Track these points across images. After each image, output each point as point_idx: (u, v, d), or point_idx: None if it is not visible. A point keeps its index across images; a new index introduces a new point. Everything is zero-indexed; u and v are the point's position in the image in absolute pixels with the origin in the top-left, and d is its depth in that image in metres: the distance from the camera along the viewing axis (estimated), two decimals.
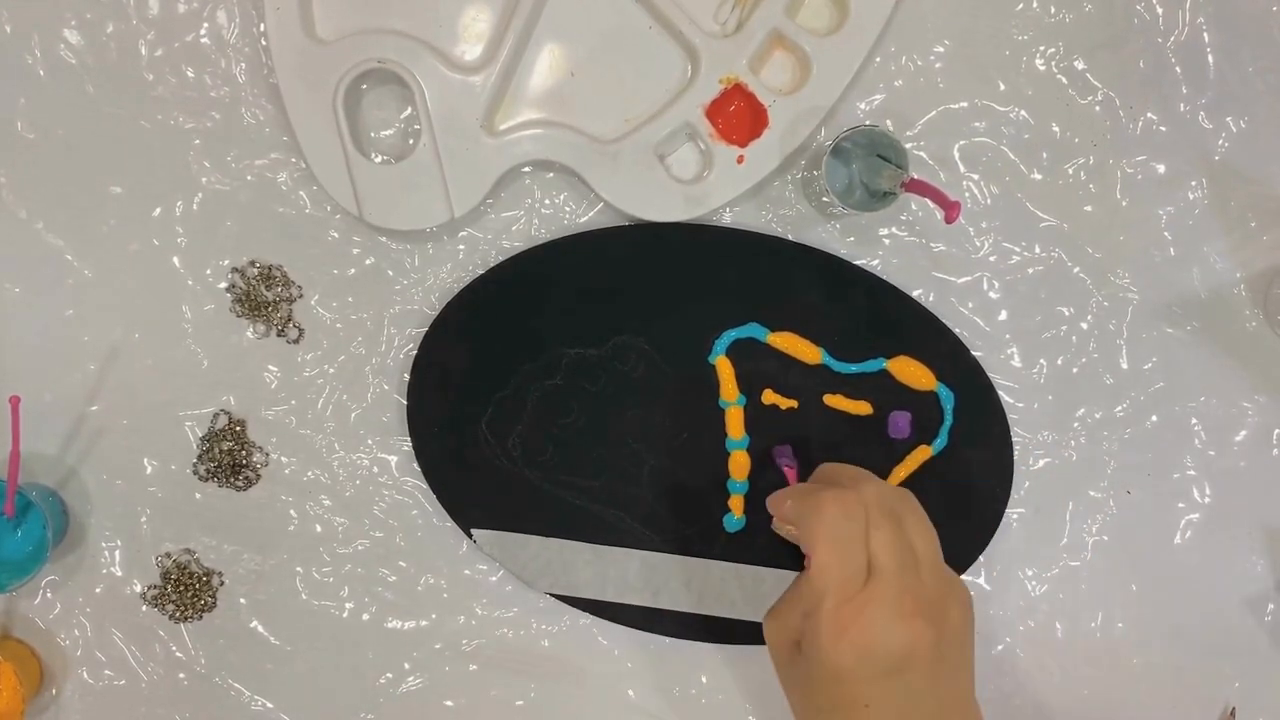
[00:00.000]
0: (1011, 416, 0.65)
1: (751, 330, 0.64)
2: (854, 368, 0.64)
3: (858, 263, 0.65)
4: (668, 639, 0.65)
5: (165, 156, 0.64)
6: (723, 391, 0.64)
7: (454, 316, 0.64)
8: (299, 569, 0.66)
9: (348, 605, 0.66)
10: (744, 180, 0.63)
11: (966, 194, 0.65)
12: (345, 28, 0.63)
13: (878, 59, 0.65)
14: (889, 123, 0.65)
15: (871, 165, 0.62)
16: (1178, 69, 0.65)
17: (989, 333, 0.66)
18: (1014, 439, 0.65)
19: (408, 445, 0.65)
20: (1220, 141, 0.66)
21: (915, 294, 0.65)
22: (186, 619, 0.66)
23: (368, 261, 0.65)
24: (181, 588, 0.65)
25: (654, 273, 0.64)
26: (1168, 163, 0.66)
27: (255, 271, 0.65)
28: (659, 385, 0.64)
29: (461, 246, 0.65)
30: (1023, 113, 0.65)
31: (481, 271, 0.64)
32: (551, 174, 0.65)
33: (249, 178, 0.65)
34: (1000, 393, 0.65)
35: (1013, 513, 0.66)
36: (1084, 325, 0.66)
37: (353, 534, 0.66)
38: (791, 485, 0.55)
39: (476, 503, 0.64)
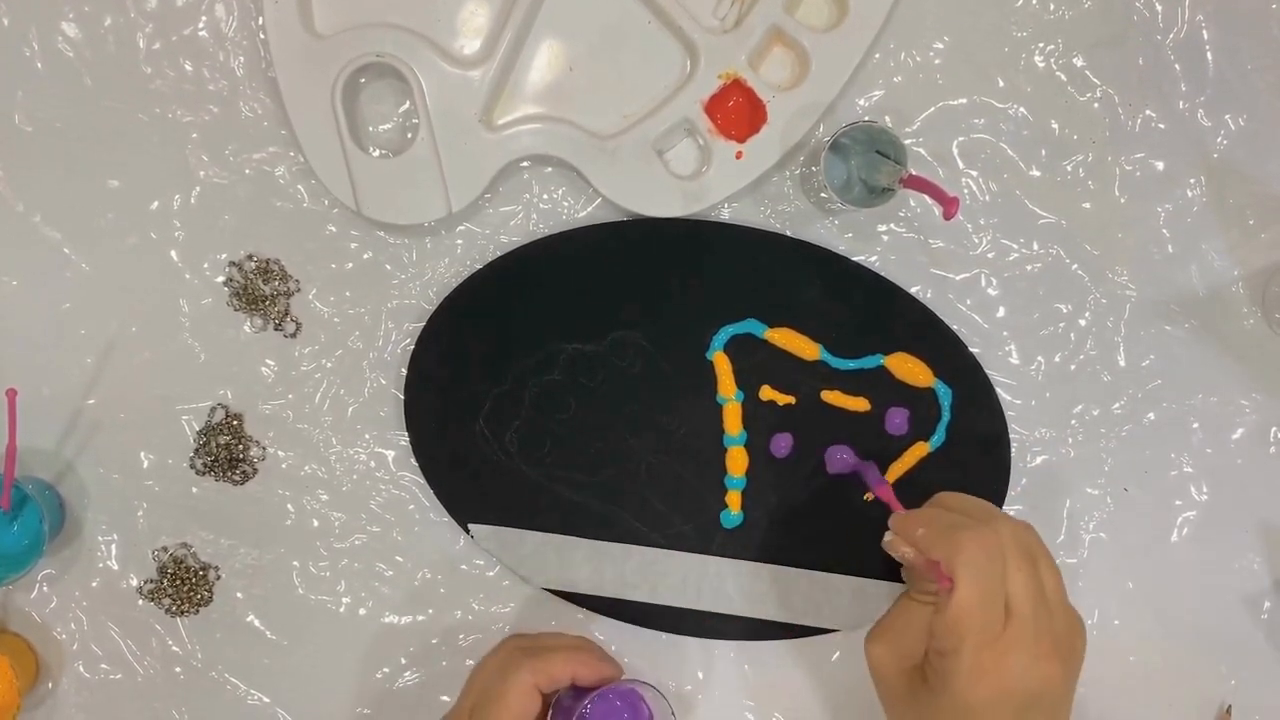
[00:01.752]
0: (1009, 413, 0.65)
1: (749, 326, 0.64)
2: (852, 364, 0.64)
3: (856, 259, 0.65)
4: (664, 635, 0.65)
5: (163, 150, 0.64)
6: (720, 387, 0.64)
7: (452, 311, 0.64)
8: (296, 563, 0.66)
9: (344, 600, 0.66)
10: (743, 176, 0.63)
11: (965, 191, 0.65)
12: (344, 21, 0.63)
13: (877, 55, 0.65)
14: (888, 119, 0.65)
15: (870, 161, 0.62)
16: (1177, 66, 0.65)
17: (987, 329, 0.66)
18: (1012, 436, 0.65)
19: (405, 440, 0.65)
20: (1219, 139, 0.66)
21: (913, 290, 0.65)
22: (183, 613, 0.65)
23: (365, 256, 0.65)
24: (178, 582, 0.65)
25: (652, 268, 0.64)
26: (1166, 160, 0.66)
27: (253, 265, 0.65)
28: (657, 381, 0.64)
29: (459, 241, 0.65)
30: (1022, 109, 0.65)
31: (479, 266, 0.64)
32: (550, 169, 0.65)
33: (247, 171, 0.65)
34: (998, 390, 0.65)
35: (1010, 510, 0.66)
36: (1082, 322, 0.66)
37: (350, 529, 0.66)
38: (915, 512, 0.54)
39: (474, 498, 0.64)
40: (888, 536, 0.55)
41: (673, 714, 0.57)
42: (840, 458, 0.64)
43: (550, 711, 0.56)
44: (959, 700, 0.49)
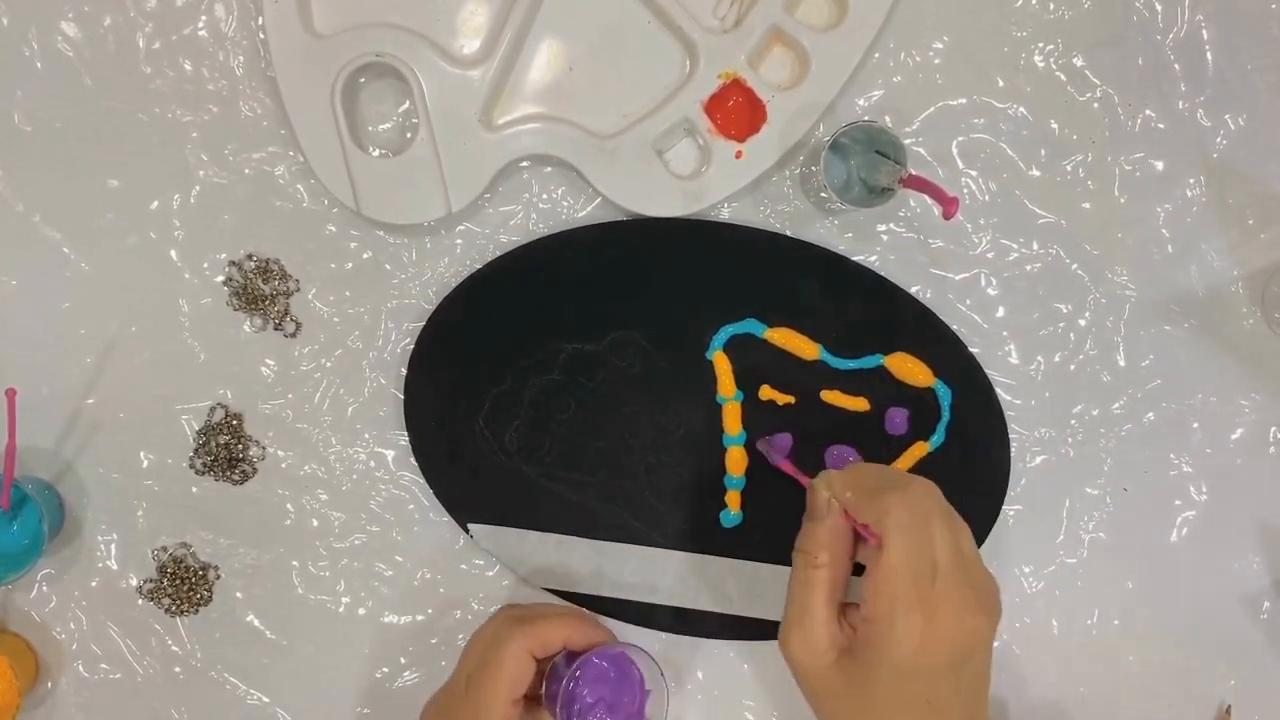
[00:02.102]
0: (1009, 413, 0.65)
1: (749, 326, 0.64)
2: (852, 364, 0.64)
3: (856, 259, 0.65)
4: (664, 634, 0.65)
5: (163, 149, 0.64)
6: (720, 387, 0.64)
7: (451, 311, 0.64)
8: (295, 563, 0.66)
9: (344, 600, 0.66)
10: (742, 176, 0.63)
11: (965, 190, 0.65)
12: (343, 21, 0.63)
13: (876, 55, 0.65)
14: (887, 119, 0.65)
15: (870, 161, 0.62)
16: (1176, 66, 0.65)
17: (987, 329, 0.66)
18: (1011, 436, 0.65)
19: (405, 440, 0.65)
20: (1219, 139, 0.66)
21: (913, 290, 0.65)
22: (182, 613, 0.66)
23: (365, 255, 0.65)
24: (178, 581, 0.65)
25: (651, 268, 0.64)
26: (1166, 160, 0.66)
27: (252, 265, 0.65)
28: (656, 381, 0.64)
29: (459, 241, 0.65)
30: (1021, 109, 0.65)
31: (479, 266, 0.64)
32: (549, 169, 0.65)
33: (246, 171, 0.65)
34: (998, 390, 0.65)
35: (1010, 510, 0.66)
36: (1082, 322, 0.66)
37: (349, 528, 0.66)
38: (840, 473, 0.55)
39: (473, 498, 0.64)
40: (816, 483, 0.54)
41: (662, 675, 0.57)
42: (840, 456, 0.64)
43: (544, 677, 0.57)
44: (895, 664, 0.49)
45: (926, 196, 0.58)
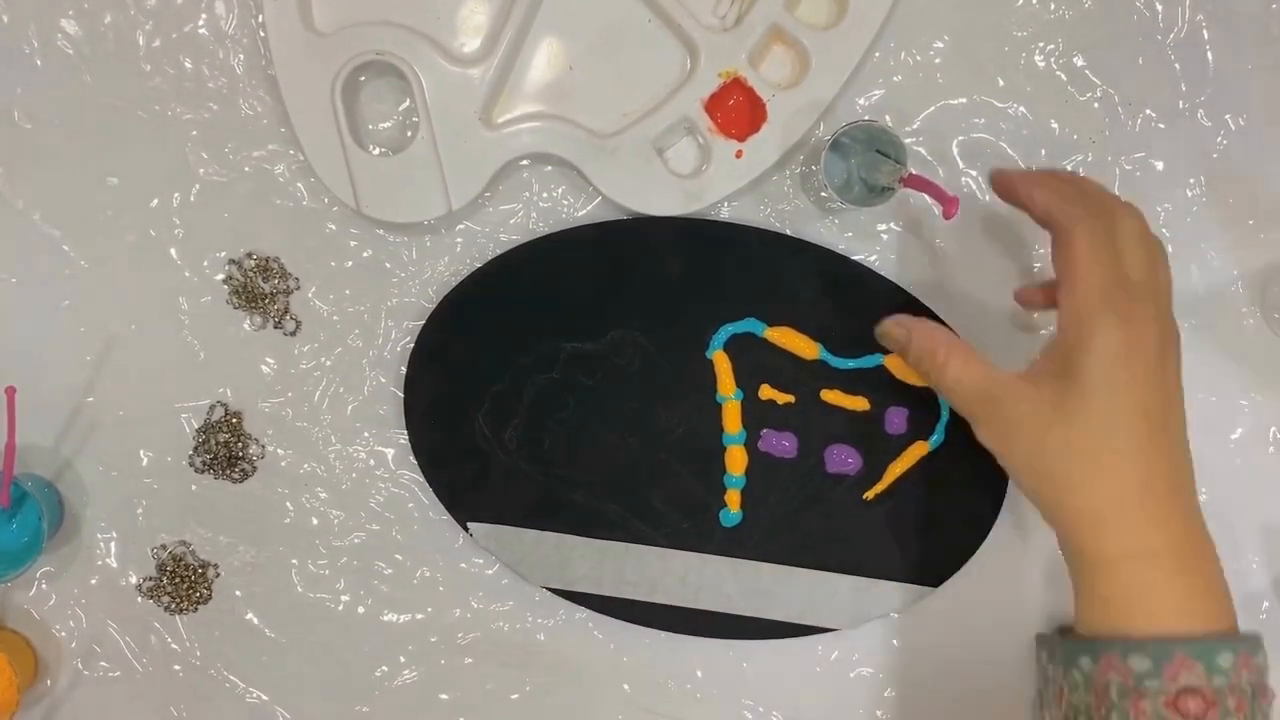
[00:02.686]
0: None
1: (749, 325, 0.64)
2: (851, 363, 0.64)
3: (856, 258, 0.65)
4: (664, 633, 0.65)
5: (163, 147, 0.64)
6: (720, 386, 0.64)
7: (451, 310, 0.64)
8: (295, 562, 0.66)
9: (343, 598, 0.66)
10: (742, 175, 0.63)
11: (965, 190, 0.65)
12: (344, 19, 0.63)
13: (877, 54, 0.65)
14: (888, 118, 0.65)
15: (870, 161, 0.62)
16: (1177, 66, 0.65)
17: (986, 328, 0.66)
18: None
19: (404, 438, 0.65)
20: (1219, 139, 0.66)
21: (913, 290, 0.65)
22: (182, 611, 0.66)
23: (365, 254, 0.65)
24: (177, 579, 0.65)
25: (651, 267, 0.64)
26: (1166, 160, 0.66)
27: (252, 263, 0.65)
28: (656, 379, 0.64)
29: (459, 239, 0.65)
30: (1022, 109, 0.65)
31: (479, 265, 0.64)
32: (550, 167, 0.65)
33: (246, 169, 0.65)
34: None
35: (1009, 509, 0.66)
36: None
37: (349, 527, 0.66)
38: (1029, 174, 0.57)
39: (473, 496, 0.64)
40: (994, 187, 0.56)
41: None
42: (840, 456, 0.64)
43: None
44: (1104, 370, 0.50)
45: (927, 196, 0.58)
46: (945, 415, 0.64)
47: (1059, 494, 0.52)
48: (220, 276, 0.65)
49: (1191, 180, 0.66)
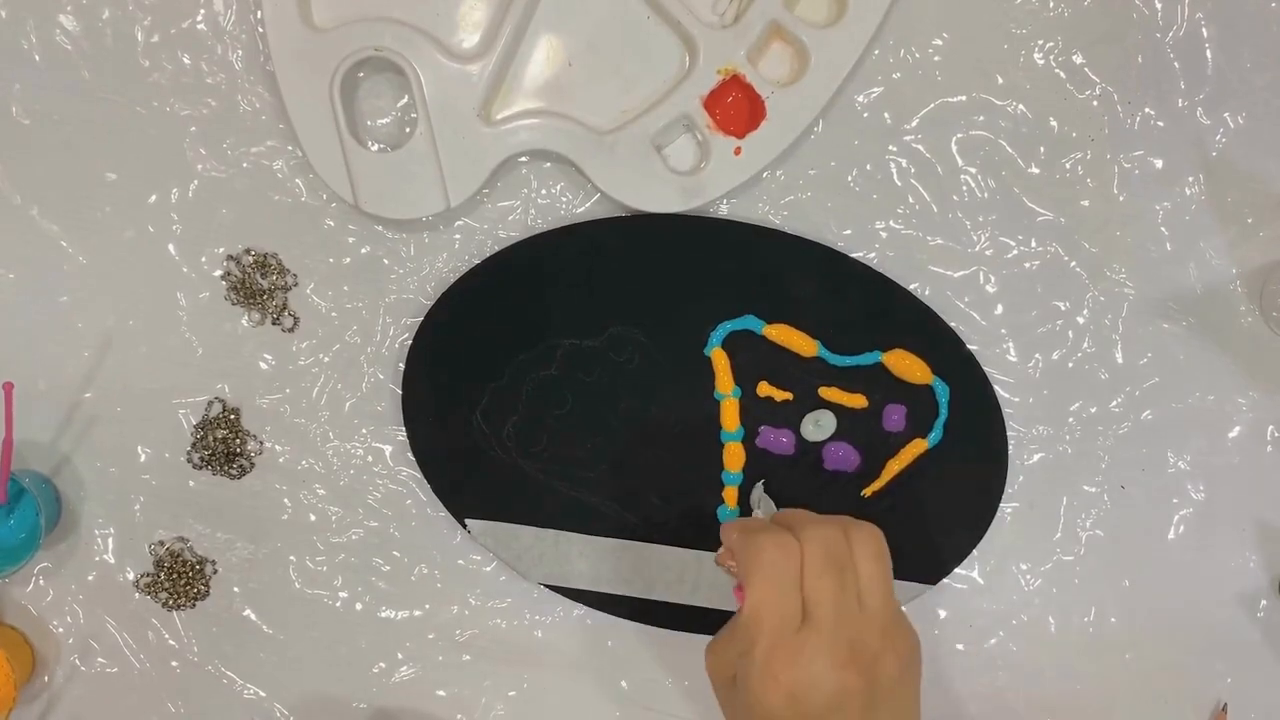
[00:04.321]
0: (1007, 411, 0.65)
1: (747, 322, 0.64)
2: (849, 360, 0.64)
3: (855, 255, 0.65)
4: (661, 630, 0.65)
5: (161, 143, 0.64)
6: (718, 383, 0.64)
7: (449, 306, 0.64)
8: (292, 558, 0.66)
9: (341, 594, 0.66)
10: (741, 172, 0.63)
11: (964, 187, 0.65)
12: (342, 15, 0.62)
13: (876, 51, 0.65)
14: (886, 115, 0.65)
15: None
16: (1176, 64, 0.65)
17: (985, 327, 0.66)
18: (1009, 433, 0.65)
19: (402, 435, 0.65)
20: (1218, 137, 0.66)
21: (911, 287, 0.65)
22: (179, 607, 0.66)
23: (363, 250, 0.65)
24: (175, 575, 0.65)
25: (650, 264, 0.64)
26: (1165, 158, 0.66)
27: (250, 259, 0.65)
28: (654, 376, 0.64)
29: (457, 236, 0.65)
30: (1020, 107, 0.65)
31: (477, 261, 0.64)
32: (548, 164, 0.65)
33: (245, 165, 0.65)
34: (996, 387, 0.65)
35: (1007, 507, 0.66)
36: (1080, 320, 0.66)
37: (346, 523, 0.66)
38: (737, 520, 0.55)
39: (471, 493, 0.64)
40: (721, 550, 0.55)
41: None
42: (838, 453, 0.64)
43: None
44: (754, 702, 0.48)
45: None
46: (944, 413, 0.64)
47: None
48: (218, 272, 0.65)
49: (1190, 178, 0.66)
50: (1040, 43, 0.65)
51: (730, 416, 0.64)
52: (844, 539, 0.50)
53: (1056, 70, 0.65)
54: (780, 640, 0.48)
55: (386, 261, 0.65)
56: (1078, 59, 0.65)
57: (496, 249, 0.64)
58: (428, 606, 0.66)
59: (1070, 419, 0.66)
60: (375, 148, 0.64)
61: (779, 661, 0.48)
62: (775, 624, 0.48)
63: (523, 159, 0.65)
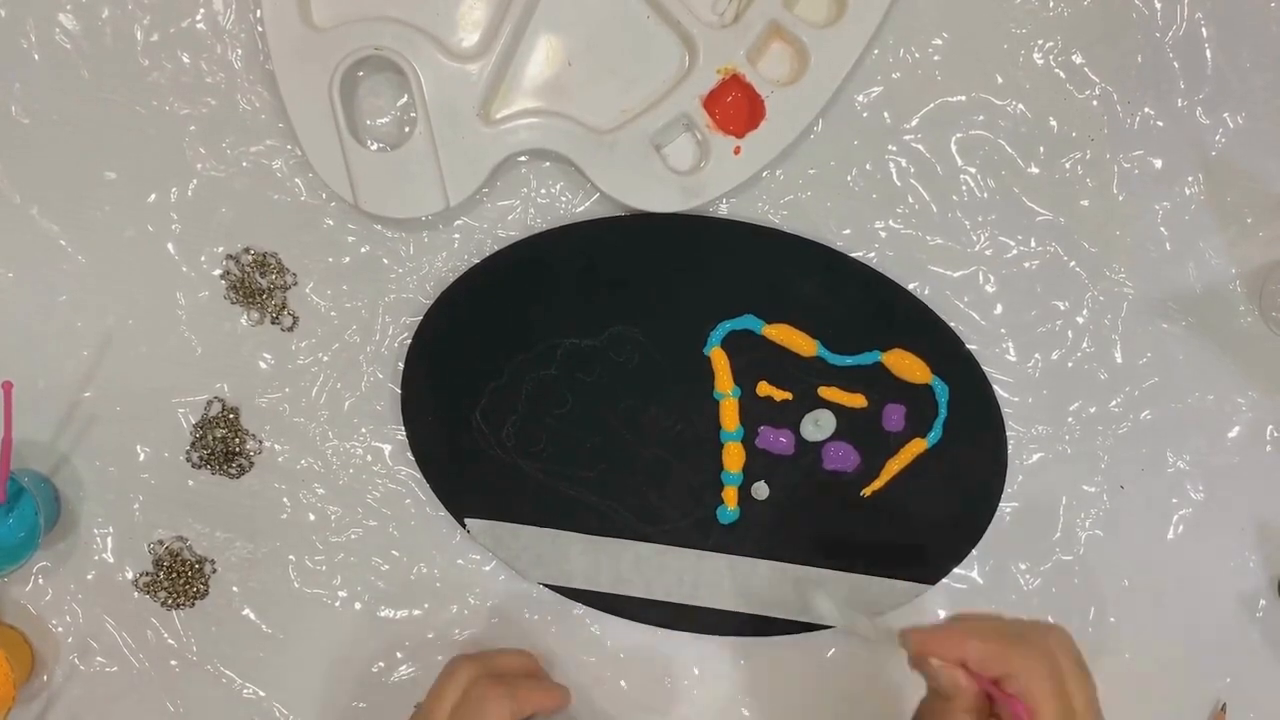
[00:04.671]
0: (1006, 410, 0.65)
1: (747, 322, 0.64)
2: (849, 360, 0.64)
3: (854, 255, 0.65)
4: (661, 630, 0.65)
5: (160, 142, 0.64)
6: (718, 383, 0.64)
7: (449, 306, 0.64)
8: (291, 557, 0.66)
9: (340, 594, 0.66)
10: (741, 171, 0.63)
11: (963, 187, 0.65)
12: (342, 14, 0.62)
13: (876, 51, 0.65)
14: (886, 115, 0.65)
15: None
16: (1176, 64, 0.65)
17: (984, 326, 0.66)
18: (1008, 433, 0.65)
19: (401, 434, 0.65)
20: (1217, 137, 0.66)
21: (911, 287, 0.65)
22: (178, 606, 0.65)
23: (363, 250, 0.65)
24: (174, 575, 0.65)
25: (650, 264, 0.64)
26: (1164, 158, 0.66)
27: (250, 258, 0.65)
28: (654, 376, 0.64)
29: (457, 235, 0.65)
30: (1020, 106, 0.65)
31: (477, 261, 0.64)
32: (548, 163, 0.65)
33: (244, 164, 0.65)
34: (995, 386, 0.65)
35: (1006, 506, 0.66)
36: (1079, 320, 0.66)
37: (346, 523, 0.66)
38: (952, 627, 0.50)
39: (470, 492, 0.64)
40: (909, 654, 0.50)
41: None
42: (837, 453, 0.64)
43: None
44: None
45: None
46: (943, 413, 0.64)
47: None
48: (218, 272, 0.65)
49: (1190, 178, 0.66)
50: (1040, 42, 0.65)
51: (730, 416, 0.64)
52: (1069, 640, 0.50)
53: (1056, 70, 0.65)
54: None
55: (386, 261, 0.65)
56: (1077, 59, 0.65)
57: (496, 248, 0.64)
58: (427, 606, 0.66)
59: (1069, 419, 0.66)
60: (375, 147, 0.64)
61: None
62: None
63: (522, 158, 0.65)
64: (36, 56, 0.64)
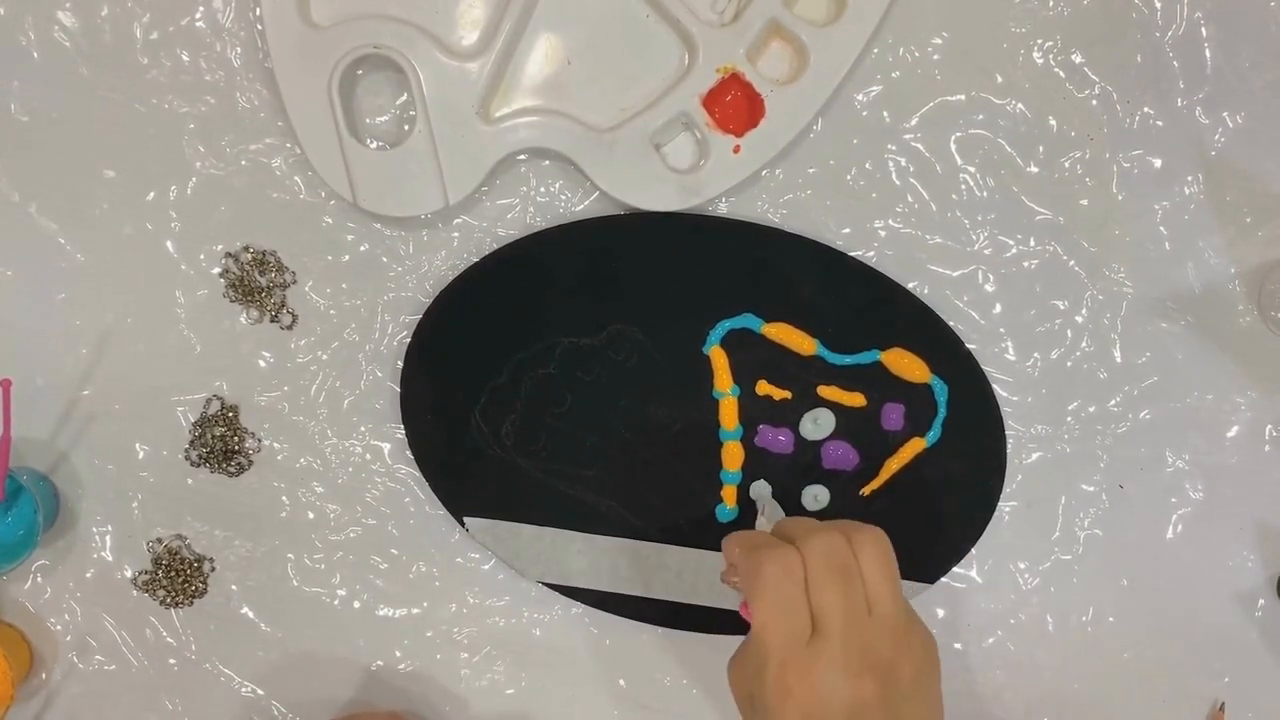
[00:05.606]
0: (1005, 410, 0.65)
1: (746, 321, 0.64)
2: (848, 359, 0.64)
3: (853, 254, 0.65)
4: (660, 629, 0.65)
5: (159, 140, 0.64)
6: (717, 382, 0.64)
7: (448, 304, 0.63)
8: (290, 556, 0.66)
9: (339, 592, 0.66)
10: (740, 170, 0.63)
11: (962, 186, 0.65)
12: (341, 12, 0.62)
13: (875, 50, 0.65)
14: (885, 114, 0.65)
15: None
16: (1175, 64, 0.65)
17: (984, 326, 0.66)
18: (1007, 432, 0.65)
19: (401, 433, 0.65)
20: (1217, 136, 0.66)
21: (910, 286, 0.65)
22: (177, 604, 0.65)
23: (362, 248, 0.65)
24: (172, 573, 0.65)
25: (649, 262, 0.64)
26: (1164, 157, 0.66)
27: (249, 257, 0.65)
28: (653, 375, 0.64)
29: (456, 234, 0.65)
30: (1020, 106, 0.65)
31: (476, 259, 0.64)
32: (547, 162, 0.65)
33: (243, 162, 0.64)
34: (994, 386, 0.65)
35: (1005, 506, 0.66)
36: (1078, 319, 0.66)
37: (345, 521, 0.66)
38: (737, 534, 0.54)
39: (469, 491, 0.64)
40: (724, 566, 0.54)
41: None
42: (837, 452, 0.64)
43: None
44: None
45: None
46: (942, 412, 0.64)
47: None
48: (217, 270, 0.65)
49: (1189, 178, 0.66)
50: (1039, 42, 0.65)
51: (729, 415, 0.64)
52: (847, 545, 0.49)
53: (1056, 69, 0.65)
54: (791, 656, 0.47)
55: (385, 259, 0.65)
56: (1077, 58, 0.65)
57: (495, 247, 0.64)
58: (426, 605, 0.66)
59: (1069, 418, 0.66)
60: (374, 145, 0.64)
61: (792, 677, 0.47)
62: (783, 640, 0.48)
63: (521, 157, 0.65)
64: (35, 54, 0.64)
